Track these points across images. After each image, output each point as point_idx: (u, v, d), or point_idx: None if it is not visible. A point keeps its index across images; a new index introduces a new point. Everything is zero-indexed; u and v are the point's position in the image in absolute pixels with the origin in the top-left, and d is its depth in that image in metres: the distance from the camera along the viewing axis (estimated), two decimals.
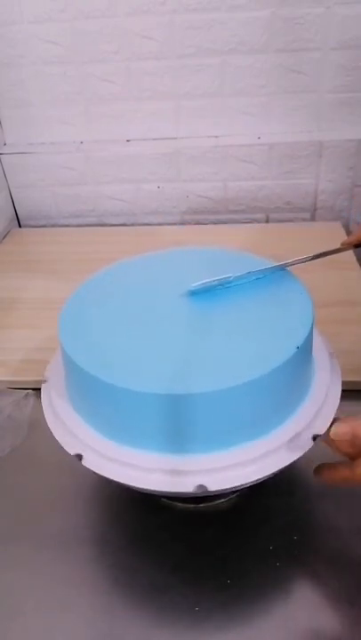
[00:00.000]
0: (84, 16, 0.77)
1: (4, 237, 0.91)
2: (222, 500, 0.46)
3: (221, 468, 0.37)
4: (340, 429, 0.36)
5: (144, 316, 0.44)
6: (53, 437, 0.41)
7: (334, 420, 0.38)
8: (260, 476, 0.37)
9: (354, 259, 0.74)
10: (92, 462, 0.38)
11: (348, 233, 0.88)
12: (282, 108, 0.82)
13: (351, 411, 0.41)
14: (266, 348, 0.39)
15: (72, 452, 0.39)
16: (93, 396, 0.40)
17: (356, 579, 0.41)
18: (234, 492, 0.45)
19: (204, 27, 0.76)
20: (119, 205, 0.92)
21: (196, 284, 0.45)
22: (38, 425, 0.53)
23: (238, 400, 0.37)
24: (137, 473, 0.37)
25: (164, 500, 0.46)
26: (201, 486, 0.36)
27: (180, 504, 0.46)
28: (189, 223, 0.93)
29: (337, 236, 0.84)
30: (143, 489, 0.37)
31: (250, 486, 0.38)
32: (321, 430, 0.39)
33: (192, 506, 0.46)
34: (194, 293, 0.45)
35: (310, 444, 0.38)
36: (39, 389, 0.46)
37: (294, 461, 0.37)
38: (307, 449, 0.38)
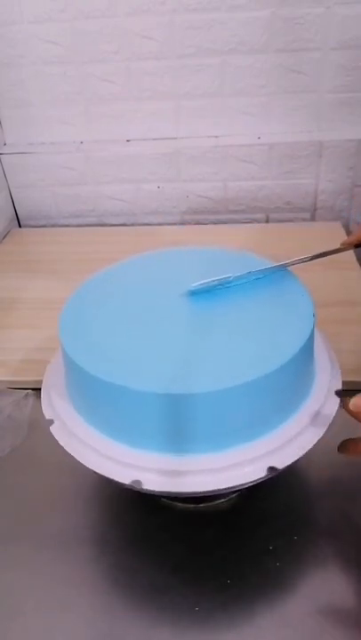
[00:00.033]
0: (84, 16, 0.77)
1: (4, 237, 0.91)
2: (222, 501, 0.46)
3: (221, 469, 0.37)
4: (358, 401, 0.36)
5: (144, 315, 0.44)
6: (53, 437, 0.41)
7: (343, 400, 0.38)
8: (260, 477, 0.37)
9: (354, 258, 0.74)
10: (93, 462, 0.38)
11: (349, 233, 0.88)
12: (282, 107, 0.82)
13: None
14: (266, 349, 0.39)
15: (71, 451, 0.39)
16: (93, 395, 0.40)
17: (356, 579, 0.41)
18: (234, 492, 0.45)
19: (204, 27, 0.76)
20: (119, 205, 0.92)
21: (195, 284, 0.45)
22: (38, 425, 0.53)
23: (238, 400, 0.37)
24: (136, 473, 0.37)
25: (164, 500, 0.46)
26: (195, 487, 0.36)
27: (180, 504, 0.46)
28: (189, 223, 0.93)
29: (337, 236, 0.84)
30: (143, 489, 0.37)
31: (250, 486, 0.38)
32: (321, 431, 0.39)
33: (192, 506, 0.46)
34: (194, 293, 0.45)
35: (310, 444, 0.38)
36: (39, 389, 0.46)
37: (294, 462, 0.37)
38: (307, 449, 0.38)
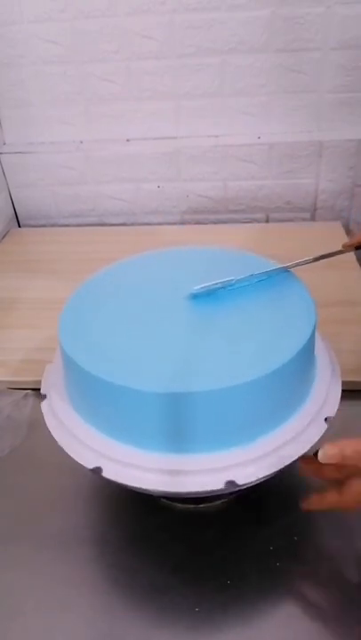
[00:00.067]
0: (84, 16, 0.77)
1: (4, 237, 0.91)
2: (222, 501, 0.46)
3: (222, 469, 0.37)
4: (330, 451, 0.35)
5: (144, 315, 0.44)
6: (53, 437, 0.41)
7: (316, 452, 0.37)
8: (260, 477, 0.37)
9: (354, 259, 0.74)
10: (91, 462, 0.38)
11: (349, 233, 0.88)
12: (282, 107, 0.82)
13: (351, 411, 0.41)
14: (267, 349, 0.39)
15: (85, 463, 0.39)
16: (93, 395, 0.40)
17: (356, 579, 0.41)
18: (234, 492, 0.45)
19: (204, 26, 0.76)
20: (119, 205, 0.92)
21: (198, 288, 0.45)
22: (38, 425, 0.53)
23: (238, 400, 0.37)
24: (136, 473, 0.37)
25: (164, 500, 0.46)
26: (198, 487, 0.36)
27: (179, 504, 0.46)
28: (189, 223, 0.93)
29: (337, 236, 0.84)
30: (142, 489, 0.37)
31: (250, 487, 0.38)
32: (320, 433, 0.39)
33: (192, 506, 0.46)
34: (196, 296, 0.45)
35: (310, 444, 0.38)
36: (39, 389, 0.46)
37: (294, 461, 0.37)
38: (307, 449, 0.38)
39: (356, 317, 0.65)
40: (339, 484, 0.37)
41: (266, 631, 0.38)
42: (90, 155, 0.88)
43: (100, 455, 0.39)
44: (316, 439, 0.39)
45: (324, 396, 0.42)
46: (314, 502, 0.38)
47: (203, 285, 0.45)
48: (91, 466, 0.38)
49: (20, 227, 0.96)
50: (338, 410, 0.41)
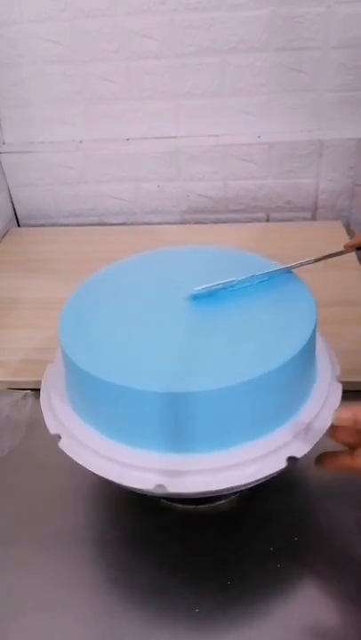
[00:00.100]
0: (84, 15, 0.77)
1: (4, 237, 0.91)
2: (222, 501, 0.46)
3: (221, 469, 0.37)
4: (343, 415, 0.37)
5: (144, 315, 0.44)
6: (52, 438, 0.41)
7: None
8: (260, 477, 0.37)
9: (355, 259, 0.74)
10: (91, 462, 0.38)
11: (349, 232, 0.87)
12: (282, 106, 0.82)
13: None
14: (267, 349, 0.39)
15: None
16: (93, 395, 0.40)
17: (356, 579, 0.41)
18: (234, 492, 0.45)
19: (204, 26, 0.76)
20: (119, 204, 0.92)
21: (199, 288, 0.44)
22: (37, 425, 0.53)
23: (238, 399, 0.37)
24: (136, 473, 0.37)
25: (164, 500, 0.46)
26: (194, 487, 0.36)
27: (179, 505, 0.46)
28: (189, 222, 0.93)
29: (338, 236, 0.84)
30: (142, 489, 0.37)
31: (250, 487, 0.38)
32: (321, 433, 0.39)
33: (192, 507, 0.46)
34: (197, 297, 0.45)
35: (311, 444, 0.38)
36: (38, 390, 0.46)
37: (295, 462, 0.37)
38: (307, 449, 0.38)
39: (357, 317, 0.65)
40: (353, 448, 0.38)
41: (266, 631, 0.38)
42: (90, 154, 0.88)
43: (100, 456, 0.38)
44: (316, 439, 0.38)
45: (324, 397, 0.41)
46: (327, 461, 0.39)
47: (204, 286, 0.44)
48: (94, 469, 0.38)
49: (19, 226, 0.96)
50: (338, 410, 0.41)
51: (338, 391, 0.42)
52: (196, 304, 0.44)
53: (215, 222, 0.92)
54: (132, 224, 0.93)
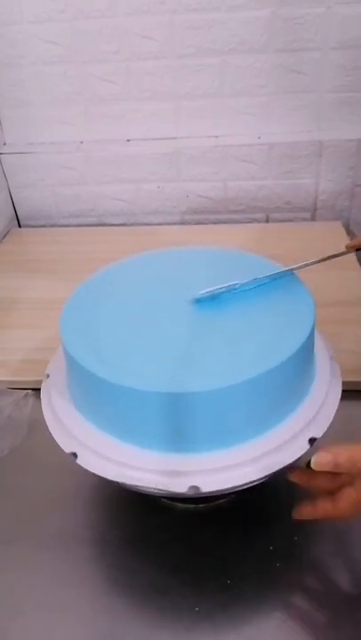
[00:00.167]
0: (84, 16, 0.77)
1: (4, 237, 0.91)
2: (222, 501, 0.46)
3: (221, 468, 0.37)
4: (322, 459, 0.34)
5: (144, 315, 0.44)
6: (53, 437, 0.41)
7: (308, 462, 0.35)
8: (259, 477, 0.37)
9: (355, 259, 0.74)
10: (89, 462, 0.38)
11: (349, 233, 0.88)
12: (282, 107, 0.82)
13: (351, 411, 0.41)
14: (266, 348, 0.39)
15: (67, 450, 0.39)
16: (94, 394, 0.40)
17: (356, 579, 0.41)
18: (234, 492, 0.45)
19: (204, 27, 0.76)
20: (119, 205, 0.92)
21: (202, 292, 0.44)
22: (38, 425, 0.53)
23: (239, 399, 0.37)
24: (136, 473, 0.37)
25: (164, 500, 0.46)
26: (196, 487, 0.36)
27: (180, 504, 0.46)
28: (189, 223, 0.93)
29: (337, 236, 0.84)
30: (142, 489, 0.37)
31: (250, 487, 0.38)
32: (320, 433, 0.39)
33: (192, 506, 0.46)
34: (200, 301, 0.45)
35: (310, 444, 0.38)
36: (39, 389, 0.46)
37: (294, 461, 0.37)
38: (307, 449, 0.38)
39: (357, 317, 0.65)
40: (330, 493, 0.35)
41: (266, 631, 0.38)
42: (90, 155, 0.88)
43: (98, 454, 0.38)
44: (317, 438, 0.38)
45: (323, 396, 0.41)
46: (306, 511, 0.37)
47: (207, 290, 0.44)
48: (92, 469, 0.38)
49: (20, 227, 0.96)
50: (338, 410, 0.41)
51: (337, 389, 0.42)
52: (195, 304, 0.44)
53: (215, 223, 0.92)
54: (132, 225, 0.93)
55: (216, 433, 0.38)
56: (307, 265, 0.48)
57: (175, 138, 0.86)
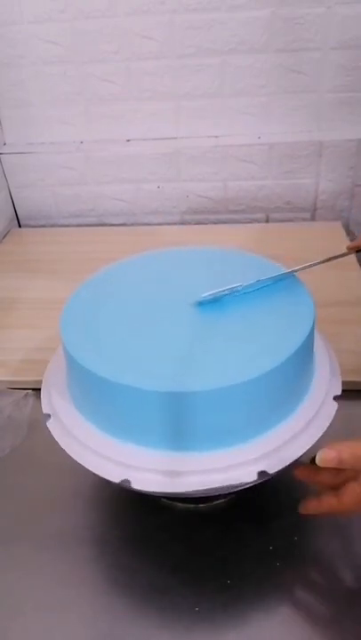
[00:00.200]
0: (84, 16, 0.77)
1: (4, 237, 0.91)
2: (222, 501, 0.46)
3: (222, 468, 0.37)
4: (327, 455, 0.35)
5: (144, 315, 0.44)
6: (53, 437, 0.41)
7: (313, 458, 0.36)
8: (258, 477, 0.37)
9: (355, 259, 0.74)
10: (92, 463, 0.38)
11: (349, 233, 0.88)
12: (282, 107, 0.82)
13: (351, 411, 0.41)
14: (266, 348, 0.39)
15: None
16: (94, 394, 0.40)
17: (356, 579, 0.41)
18: (234, 492, 0.45)
19: (204, 27, 0.76)
20: (119, 205, 0.92)
21: (205, 295, 0.44)
22: (38, 425, 0.53)
23: (239, 398, 0.37)
24: (137, 474, 0.37)
25: (164, 500, 0.46)
26: (197, 487, 0.36)
27: (179, 504, 0.46)
28: (189, 223, 0.93)
29: (337, 236, 0.84)
30: (143, 490, 0.37)
31: (250, 486, 0.38)
32: (320, 432, 0.39)
33: (192, 506, 0.46)
34: (202, 304, 0.44)
35: (310, 443, 0.38)
36: (39, 389, 0.46)
37: (294, 461, 0.37)
38: (307, 448, 0.38)
39: (356, 317, 0.65)
40: (335, 489, 0.36)
41: (266, 631, 0.38)
42: (90, 155, 0.88)
43: (101, 456, 0.39)
44: (316, 438, 0.39)
45: (323, 396, 0.42)
46: (311, 506, 0.38)
47: (210, 292, 0.44)
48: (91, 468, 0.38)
49: (20, 227, 0.96)
50: (338, 410, 0.41)
51: (337, 389, 0.42)
52: (196, 304, 0.44)
53: (215, 223, 0.92)
54: (132, 225, 0.94)
55: (216, 433, 0.38)
56: (310, 266, 0.48)
57: (175, 138, 0.86)
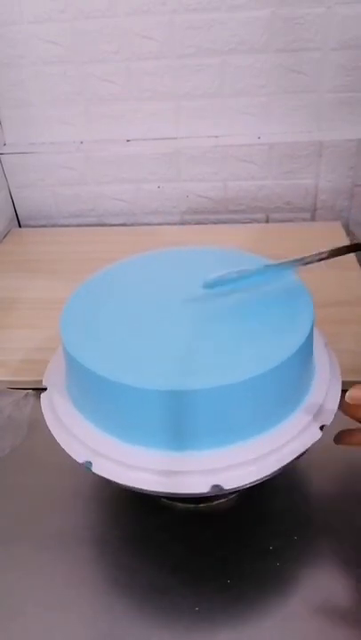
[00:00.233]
0: (84, 16, 0.77)
1: (4, 237, 0.91)
2: (222, 500, 0.46)
3: (222, 468, 0.37)
4: (355, 394, 0.37)
5: (144, 315, 0.44)
6: (53, 437, 0.41)
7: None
8: (260, 476, 0.37)
9: (354, 259, 0.74)
10: (95, 465, 0.38)
11: (349, 233, 0.88)
12: (282, 107, 0.82)
13: None
14: (266, 347, 0.39)
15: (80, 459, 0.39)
16: (94, 393, 0.40)
17: (356, 579, 0.41)
18: (234, 491, 0.45)
19: (204, 27, 0.76)
20: (119, 205, 0.92)
21: (212, 276, 0.44)
22: (38, 425, 0.53)
23: (240, 397, 0.37)
24: (137, 474, 0.37)
25: (164, 500, 0.46)
26: (211, 485, 0.36)
27: (180, 504, 0.46)
28: (189, 223, 0.93)
29: (337, 236, 0.84)
30: (143, 490, 0.37)
31: (250, 486, 0.38)
32: (320, 432, 0.39)
33: (192, 506, 0.46)
34: (209, 285, 0.44)
35: (310, 442, 0.38)
36: (39, 389, 0.46)
37: (295, 460, 0.37)
38: (307, 447, 0.38)
39: (356, 317, 0.65)
40: None
41: (266, 631, 0.38)
42: (90, 155, 0.88)
43: (97, 454, 0.39)
44: (316, 437, 0.39)
45: (323, 396, 0.42)
46: (344, 438, 0.40)
47: (217, 274, 0.44)
48: (88, 464, 0.38)
49: (20, 227, 0.96)
50: (338, 410, 0.41)
51: (337, 388, 0.42)
52: (196, 303, 0.45)
53: (215, 223, 0.92)
54: (132, 225, 0.94)
55: (218, 431, 0.38)
56: (318, 258, 0.47)
57: (175, 138, 0.86)
